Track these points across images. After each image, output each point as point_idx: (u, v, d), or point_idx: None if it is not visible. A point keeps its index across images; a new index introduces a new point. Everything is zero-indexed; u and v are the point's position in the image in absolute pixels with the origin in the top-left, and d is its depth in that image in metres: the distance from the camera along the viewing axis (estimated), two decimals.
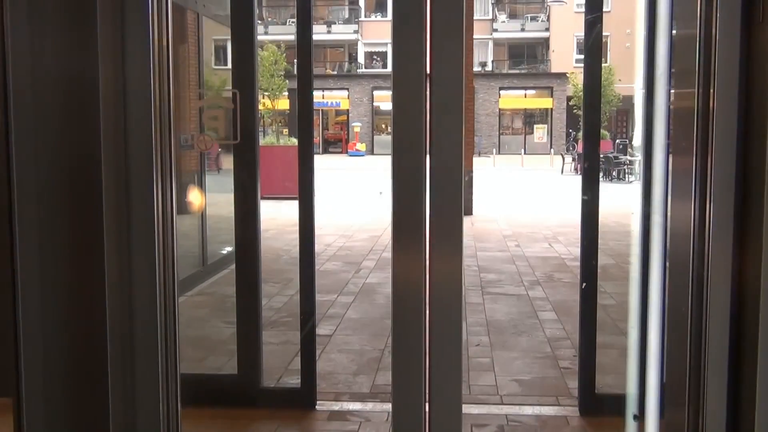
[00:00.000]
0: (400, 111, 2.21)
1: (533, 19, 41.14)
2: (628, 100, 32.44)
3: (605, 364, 4.40)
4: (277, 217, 11.40)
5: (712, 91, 1.98)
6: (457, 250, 2.22)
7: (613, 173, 21.44)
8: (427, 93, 2.18)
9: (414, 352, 2.26)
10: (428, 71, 2.19)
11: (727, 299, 2.00)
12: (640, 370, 2.53)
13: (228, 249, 7.29)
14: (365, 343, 4.95)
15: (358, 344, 4.94)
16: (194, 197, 6.87)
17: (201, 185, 6.70)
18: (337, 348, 4.85)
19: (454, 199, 2.22)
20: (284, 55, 26.18)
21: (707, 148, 2.01)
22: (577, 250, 8.83)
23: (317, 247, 8.77)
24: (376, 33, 39.90)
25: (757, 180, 1.91)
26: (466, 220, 12.85)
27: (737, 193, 1.98)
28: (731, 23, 1.95)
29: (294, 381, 4.21)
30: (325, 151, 37.12)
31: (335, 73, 40.96)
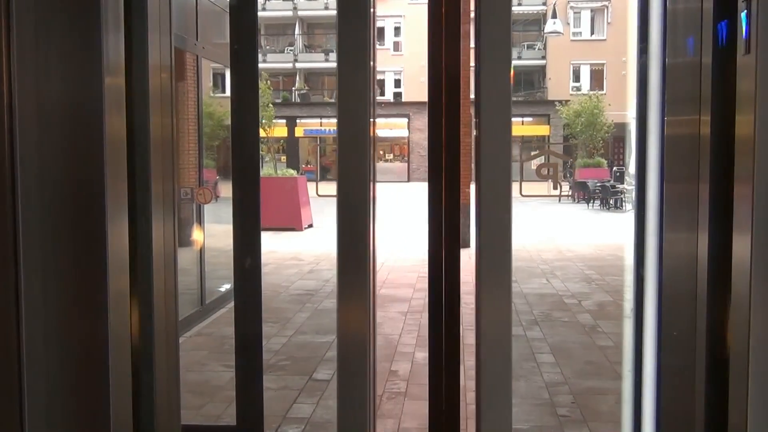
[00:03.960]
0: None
1: (530, 47, 41.49)
2: (625, 127, 32.62)
3: (605, 411, 4.42)
4: (277, 250, 11.43)
5: (699, 118, 2.02)
6: None
7: (610, 202, 21.52)
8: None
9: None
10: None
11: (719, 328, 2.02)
12: (635, 392, 2.55)
13: (226, 286, 7.28)
14: None
15: None
16: (195, 235, 6.89)
17: (198, 214, 6.67)
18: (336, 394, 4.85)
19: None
20: (268, 83, 26.39)
21: (697, 175, 2.04)
22: (574, 286, 8.88)
23: (316, 284, 8.85)
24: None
25: (744, 206, 1.92)
26: (464, 253, 12.80)
27: (728, 220, 1.98)
28: (718, 53, 1.98)
29: (293, 430, 4.22)
30: (323, 177, 37.19)
31: (333, 100, 41.17)
